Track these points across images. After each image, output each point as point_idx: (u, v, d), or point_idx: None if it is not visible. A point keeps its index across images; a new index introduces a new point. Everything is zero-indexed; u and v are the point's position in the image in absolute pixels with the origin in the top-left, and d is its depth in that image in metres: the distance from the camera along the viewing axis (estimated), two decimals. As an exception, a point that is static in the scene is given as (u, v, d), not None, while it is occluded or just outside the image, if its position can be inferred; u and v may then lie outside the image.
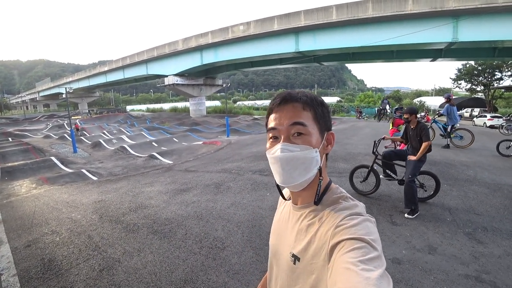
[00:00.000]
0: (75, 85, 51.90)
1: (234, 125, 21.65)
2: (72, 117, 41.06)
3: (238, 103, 66.65)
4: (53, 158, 12.05)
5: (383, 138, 4.85)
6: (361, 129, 15.06)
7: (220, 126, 22.97)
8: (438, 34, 19.38)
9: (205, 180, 5.55)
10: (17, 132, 24.46)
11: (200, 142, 13.06)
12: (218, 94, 69.71)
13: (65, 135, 19.90)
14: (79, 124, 26.07)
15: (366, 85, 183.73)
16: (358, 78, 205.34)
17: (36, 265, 3.05)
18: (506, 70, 30.67)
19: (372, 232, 0.63)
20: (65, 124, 29.94)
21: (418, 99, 47.00)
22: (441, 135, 9.44)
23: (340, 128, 15.82)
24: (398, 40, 19.99)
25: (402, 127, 6.94)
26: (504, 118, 21.30)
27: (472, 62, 32.39)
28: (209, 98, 58.74)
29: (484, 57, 26.41)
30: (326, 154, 0.79)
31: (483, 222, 3.76)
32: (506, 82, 30.31)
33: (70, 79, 54.98)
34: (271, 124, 0.75)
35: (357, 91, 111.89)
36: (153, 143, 15.76)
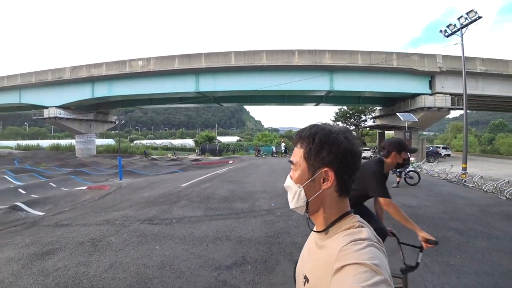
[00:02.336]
0: None
1: (129, 166, 19.67)
2: None
3: (135, 142, 62.24)
4: None
5: None
6: (259, 166, 15.79)
7: (113, 167, 20.51)
8: (319, 83, 23.18)
9: (79, 237, 4.51)
10: None
11: (85, 187, 11.19)
12: (113, 132, 63.67)
13: None
14: None
15: (263, 125, 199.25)
16: (256, 119, 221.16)
17: None
18: (368, 113, 39.25)
19: (376, 257, 0.63)
20: None
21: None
22: None
23: (239, 166, 16.22)
24: (287, 86, 22.83)
25: None
26: (371, 150, 26.74)
27: (345, 107, 39.87)
28: (102, 135, 52.96)
29: (353, 104, 32.87)
30: (338, 190, 0.79)
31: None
32: (369, 123, 38.34)
33: None
34: None
35: (255, 131, 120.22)
36: (20, 189, 12.69)
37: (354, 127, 42.12)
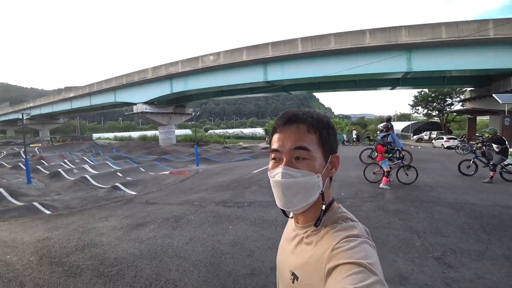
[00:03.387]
0: (37, 111, 49.18)
1: (204, 154, 21.26)
2: (31, 145, 38.49)
3: (209, 131, 66.47)
4: (0, 189, 10.94)
5: None
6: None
7: (190, 155, 22.47)
8: (394, 64, 21.03)
9: (165, 213, 5.19)
10: (-38, 162, 22.25)
11: (167, 172, 12.58)
12: (189, 123, 69.46)
13: (20, 164, 18.39)
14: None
15: (333, 112, 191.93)
16: (326, 106, 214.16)
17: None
18: (455, 96, 33.86)
19: (370, 255, 0.60)
20: (21, 152, 27.76)
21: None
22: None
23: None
24: (358, 70, 21.31)
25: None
26: (458, 139, 23.17)
27: (426, 90, 35.31)
28: (180, 126, 58.02)
29: (436, 85, 28.93)
30: (330, 177, 0.78)
31: (450, 244, 3.73)
32: (456, 107, 33.21)
33: (32, 104, 52.07)
34: (274, 145, 0.75)
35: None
36: (118, 173, 14.95)
37: (437, 112, 37.13)
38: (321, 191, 0.73)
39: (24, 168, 15.42)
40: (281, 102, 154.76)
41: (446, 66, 20.44)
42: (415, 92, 37.76)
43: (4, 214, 7.59)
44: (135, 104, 32.87)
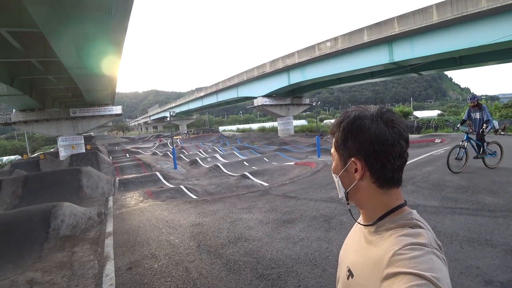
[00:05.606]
0: (177, 110, 59.21)
1: (323, 145, 20.45)
2: (175, 137, 46.60)
3: (325, 121, 64.78)
4: (157, 173, 13.25)
5: None
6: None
7: (309, 145, 22.07)
8: None
9: (310, 211, 4.70)
10: (132, 150, 28.99)
11: (292, 163, 12.40)
12: (304, 113, 69.74)
13: (168, 152, 22.15)
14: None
15: (472, 93, 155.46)
16: (462, 86, 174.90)
17: (134, 297, 2.78)
18: None
19: (437, 268, 0.54)
20: (168, 143, 33.83)
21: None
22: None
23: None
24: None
25: None
26: None
27: None
28: (295, 117, 58.97)
29: None
30: (375, 181, 0.69)
31: None
32: None
33: (173, 104, 63.26)
34: None
35: (461, 101, 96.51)
36: (244, 162, 15.90)
37: None
38: (345, 191, 0.73)
39: (171, 156, 18.41)
40: (402, 86, 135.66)
41: None
42: None
43: (160, 194, 8.91)
44: (255, 97, 34.82)
